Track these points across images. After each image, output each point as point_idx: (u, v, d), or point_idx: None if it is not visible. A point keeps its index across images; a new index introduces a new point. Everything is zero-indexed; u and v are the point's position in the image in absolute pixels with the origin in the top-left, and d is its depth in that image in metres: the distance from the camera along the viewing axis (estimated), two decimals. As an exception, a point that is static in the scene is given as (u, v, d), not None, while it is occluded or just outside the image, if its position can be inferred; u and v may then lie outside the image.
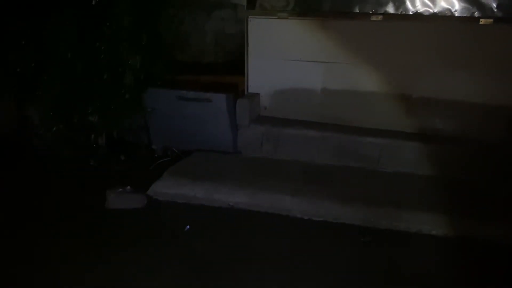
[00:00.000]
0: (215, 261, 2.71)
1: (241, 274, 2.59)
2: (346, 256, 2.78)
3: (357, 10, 3.85)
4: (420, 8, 3.70)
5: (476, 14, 3.60)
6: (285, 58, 4.05)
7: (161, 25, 4.15)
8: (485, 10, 3.58)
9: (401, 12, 3.75)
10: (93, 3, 3.89)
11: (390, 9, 3.77)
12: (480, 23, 3.55)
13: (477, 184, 3.45)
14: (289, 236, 2.99)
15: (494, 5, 3.55)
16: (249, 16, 4.09)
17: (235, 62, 4.55)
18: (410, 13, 3.73)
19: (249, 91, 4.25)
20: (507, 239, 2.86)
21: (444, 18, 3.66)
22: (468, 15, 3.61)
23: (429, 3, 3.67)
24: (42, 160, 3.94)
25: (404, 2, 3.72)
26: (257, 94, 4.22)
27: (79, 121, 3.95)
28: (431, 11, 3.69)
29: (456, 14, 3.64)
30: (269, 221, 3.16)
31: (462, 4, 3.61)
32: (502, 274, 2.62)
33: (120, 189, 3.34)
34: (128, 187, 3.38)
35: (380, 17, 3.76)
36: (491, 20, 3.53)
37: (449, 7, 3.64)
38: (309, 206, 3.22)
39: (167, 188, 3.46)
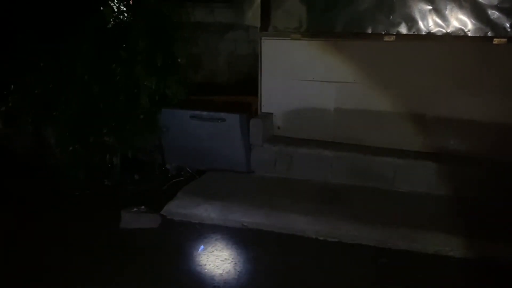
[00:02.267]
0: (228, 282, 2.69)
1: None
2: (362, 277, 2.74)
3: (369, 31, 3.88)
4: (433, 28, 3.72)
5: (489, 33, 3.60)
6: (298, 78, 4.08)
7: (175, 47, 4.22)
8: (498, 30, 3.58)
9: (414, 32, 3.77)
10: (109, 26, 4.00)
11: (403, 29, 3.79)
12: (494, 42, 3.55)
13: (492, 204, 3.39)
14: (303, 257, 2.95)
15: (508, 24, 3.55)
16: (263, 37, 4.14)
17: (248, 82, 4.60)
18: (423, 33, 3.75)
19: (263, 110, 4.28)
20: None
21: (457, 38, 3.67)
22: (481, 35, 3.62)
23: (442, 23, 3.68)
24: (57, 179, 3.98)
25: (417, 23, 3.74)
26: (271, 114, 4.24)
27: (95, 141, 4.01)
28: (444, 31, 3.70)
29: (469, 34, 3.64)
30: (283, 241, 3.13)
31: (475, 24, 3.62)
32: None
33: (135, 209, 3.36)
34: (143, 206, 3.40)
35: (393, 38, 3.78)
36: (505, 40, 3.52)
37: (462, 27, 3.65)
38: (324, 227, 3.18)
39: (181, 208, 3.47)
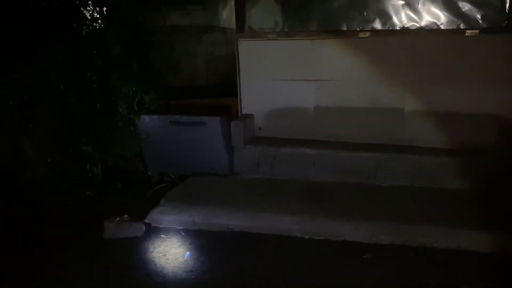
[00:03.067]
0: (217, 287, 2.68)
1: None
2: (348, 274, 2.75)
3: (344, 28, 3.91)
4: (406, 22, 3.76)
5: (462, 26, 3.66)
6: (276, 78, 4.09)
7: (151, 52, 4.18)
8: (470, 22, 3.65)
9: (388, 27, 3.81)
10: (83, 33, 3.94)
11: (377, 25, 3.83)
12: (466, 34, 3.61)
13: (472, 194, 3.45)
14: (290, 257, 2.96)
15: (479, 16, 3.62)
16: (239, 39, 4.14)
17: (227, 84, 4.58)
18: (397, 28, 3.80)
19: (243, 112, 4.27)
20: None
21: (430, 32, 3.73)
22: (454, 27, 3.68)
23: (415, 17, 3.73)
24: (37, 192, 3.90)
25: (391, 18, 3.79)
26: (251, 115, 4.24)
27: (74, 152, 3.94)
28: (418, 25, 3.75)
29: (442, 27, 3.71)
30: (270, 242, 3.12)
31: (448, 17, 3.68)
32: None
33: (118, 218, 3.31)
34: (126, 215, 3.35)
35: (368, 34, 3.82)
36: (477, 31, 3.59)
37: (435, 20, 3.71)
38: (309, 225, 3.19)
39: (165, 215, 3.43)
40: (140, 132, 4.04)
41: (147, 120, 4.04)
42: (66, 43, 3.84)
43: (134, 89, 3.91)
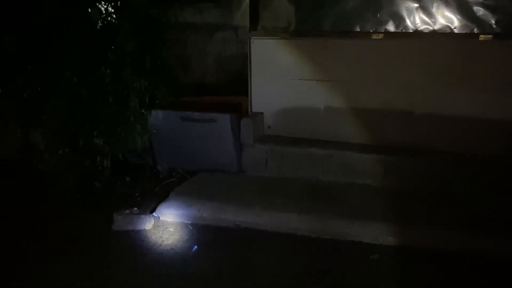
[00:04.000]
0: (223, 282, 2.69)
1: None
2: (354, 274, 2.76)
3: (358, 29, 3.91)
4: (420, 25, 3.76)
5: (476, 30, 3.65)
6: (288, 77, 4.10)
7: (164, 49, 4.21)
8: (484, 26, 3.63)
9: (401, 30, 3.81)
10: (97, 28, 3.98)
11: (391, 27, 3.83)
12: (480, 39, 3.60)
13: (481, 198, 3.44)
14: (296, 255, 2.97)
15: (493, 21, 3.61)
16: (252, 37, 4.15)
17: (237, 83, 4.60)
18: (410, 30, 3.79)
19: (253, 110, 4.28)
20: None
21: (443, 35, 3.72)
22: (467, 32, 3.67)
23: (428, 20, 3.73)
24: (47, 184, 3.93)
25: (404, 20, 3.79)
26: (261, 113, 4.25)
27: (85, 145, 3.98)
28: (431, 28, 3.75)
29: (456, 30, 3.70)
30: (276, 240, 3.14)
31: (461, 21, 3.67)
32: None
33: (127, 211, 3.34)
34: (135, 208, 3.39)
35: (380, 36, 3.82)
36: (491, 36, 3.58)
37: (449, 24, 3.70)
38: (316, 224, 3.20)
39: (173, 209, 3.46)
40: (150, 127, 4.06)
41: (158, 116, 4.07)
42: (81, 36, 3.88)
43: (146, 84, 3.93)
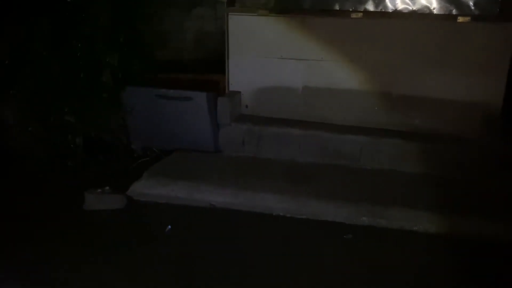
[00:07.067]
0: (196, 263, 2.67)
1: (223, 275, 2.56)
2: (328, 254, 2.78)
3: (337, 8, 3.86)
4: (399, 5, 3.73)
5: (454, 12, 3.65)
6: (266, 55, 4.02)
7: (139, 23, 4.08)
8: (462, 8, 3.63)
9: (381, 9, 3.78)
10: (69, 0, 3.82)
11: (370, 6, 3.79)
12: (458, 21, 3.59)
13: (455, 180, 3.48)
14: (271, 235, 2.96)
15: (471, 3, 3.60)
16: (229, 13, 4.05)
17: (216, 60, 4.51)
18: (390, 10, 3.76)
19: (230, 89, 4.21)
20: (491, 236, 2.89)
21: (422, 16, 3.70)
22: (446, 13, 3.66)
23: (408, 1, 3.70)
24: (17, 161, 3.82)
25: (384, 0, 3.74)
26: (239, 92, 4.18)
27: (56, 121, 3.86)
28: (410, 8, 3.72)
29: (435, 11, 3.68)
30: (251, 220, 3.13)
31: (440, 2, 3.65)
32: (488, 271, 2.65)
33: (99, 190, 3.27)
34: (107, 187, 3.30)
35: (360, 15, 3.77)
36: (469, 18, 3.57)
37: (428, 4, 3.68)
38: (292, 204, 3.20)
39: (147, 188, 3.40)
40: (124, 104, 3.95)
41: (132, 92, 3.96)
42: (52, 8, 3.71)
43: (119, 59, 3.81)
